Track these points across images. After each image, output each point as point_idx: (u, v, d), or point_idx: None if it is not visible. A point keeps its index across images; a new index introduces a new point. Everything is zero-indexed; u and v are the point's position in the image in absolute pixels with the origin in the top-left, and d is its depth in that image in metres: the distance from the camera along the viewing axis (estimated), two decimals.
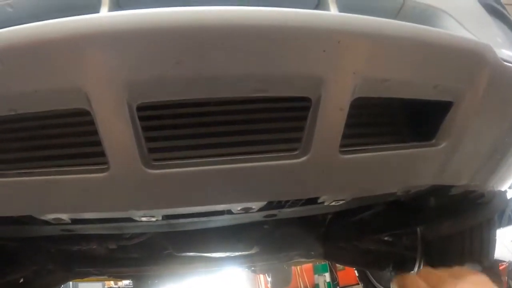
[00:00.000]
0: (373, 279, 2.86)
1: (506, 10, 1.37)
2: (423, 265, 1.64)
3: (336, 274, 10.47)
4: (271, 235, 1.78)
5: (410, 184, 1.09)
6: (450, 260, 1.53)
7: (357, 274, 3.11)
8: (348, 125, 0.83)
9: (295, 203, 1.14)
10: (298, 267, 9.37)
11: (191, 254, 1.70)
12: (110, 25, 0.62)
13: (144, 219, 1.01)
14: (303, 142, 0.83)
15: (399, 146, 0.96)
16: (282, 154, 0.84)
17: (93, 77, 0.66)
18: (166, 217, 1.08)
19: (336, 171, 0.90)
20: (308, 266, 10.03)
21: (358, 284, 3.12)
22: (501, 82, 0.97)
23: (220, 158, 0.81)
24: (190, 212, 1.04)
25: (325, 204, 1.06)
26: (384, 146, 0.94)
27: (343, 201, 1.07)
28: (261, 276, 6.81)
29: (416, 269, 2.08)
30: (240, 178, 0.84)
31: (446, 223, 1.48)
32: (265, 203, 0.97)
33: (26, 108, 0.71)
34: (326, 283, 10.63)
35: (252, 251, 1.69)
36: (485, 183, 1.24)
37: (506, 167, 1.27)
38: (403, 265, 2.13)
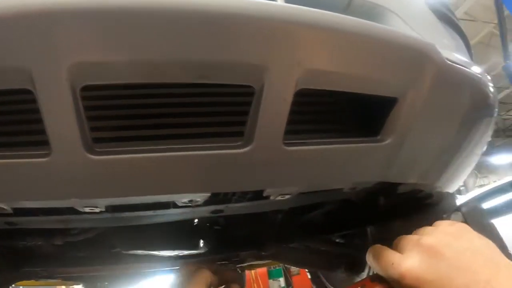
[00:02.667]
0: (326, 282, 2.89)
1: (456, 17, 1.45)
2: None
3: (291, 279, 10.55)
4: (221, 234, 1.78)
5: (356, 180, 1.11)
6: None
7: (309, 276, 3.13)
8: (294, 121, 0.84)
9: (241, 197, 1.14)
10: (253, 271, 9.40)
11: (139, 252, 1.68)
12: (56, 2, 0.62)
13: (87, 209, 0.99)
14: (246, 132, 0.84)
15: (345, 141, 0.98)
16: (225, 144, 0.84)
17: (38, 56, 0.65)
18: (111, 209, 1.07)
19: (280, 163, 0.91)
20: (262, 270, 10.08)
21: None
22: (446, 82, 1.00)
23: (164, 146, 0.81)
24: (134, 203, 1.03)
25: (271, 198, 1.07)
26: (329, 140, 0.96)
27: (289, 196, 1.07)
28: None
29: (366, 270, 2.12)
30: (183, 166, 0.84)
31: (396, 223, 1.52)
32: (209, 194, 0.97)
33: None
34: None
35: (201, 250, 1.68)
36: (433, 183, 1.28)
37: (453, 168, 1.31)
38: (355, 266, 2.18)
